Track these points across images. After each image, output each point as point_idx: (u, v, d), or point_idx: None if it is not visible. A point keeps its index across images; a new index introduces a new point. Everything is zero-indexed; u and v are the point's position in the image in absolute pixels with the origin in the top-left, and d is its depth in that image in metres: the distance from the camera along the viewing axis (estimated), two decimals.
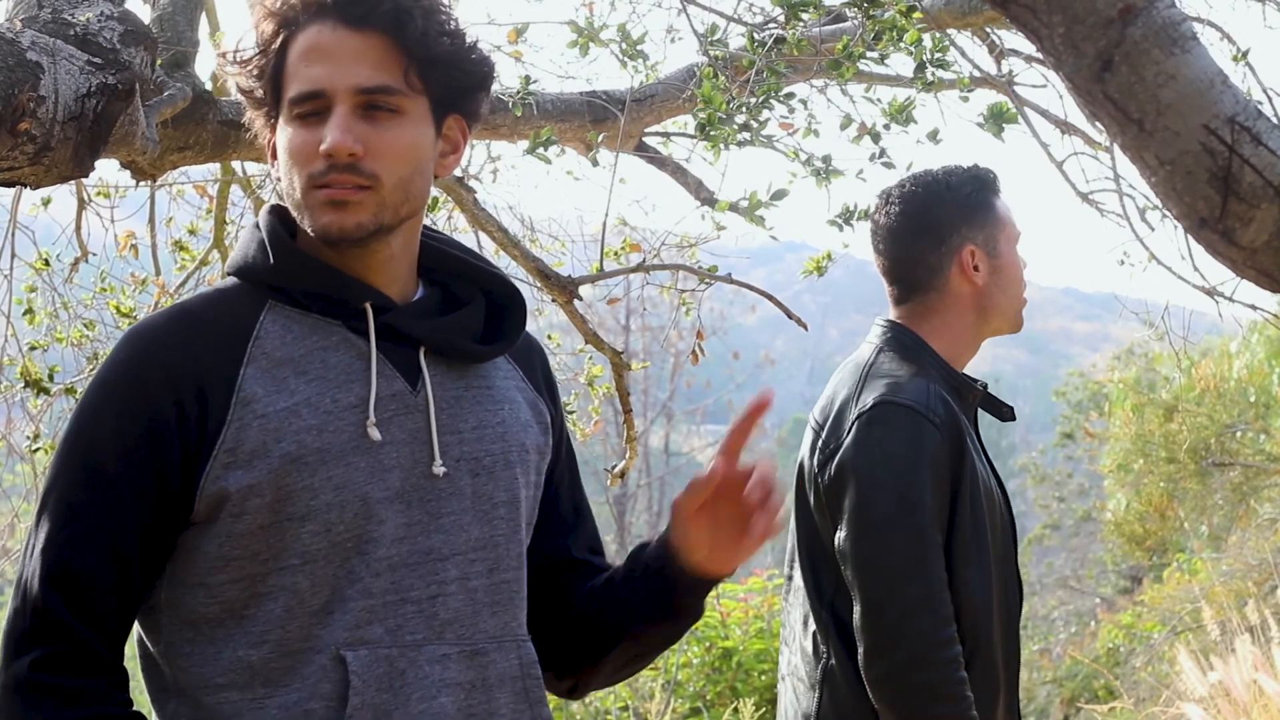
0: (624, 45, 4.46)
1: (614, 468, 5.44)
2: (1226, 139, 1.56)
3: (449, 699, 1.63)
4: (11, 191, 4.62)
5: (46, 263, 5.57)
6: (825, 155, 4.43)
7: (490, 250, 5.16)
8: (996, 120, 4.11)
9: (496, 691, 1.67)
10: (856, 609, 2.47)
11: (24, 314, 5.57)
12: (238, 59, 1.67)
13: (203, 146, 3.92)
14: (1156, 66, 1.56)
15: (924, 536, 2.44)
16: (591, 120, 4.75)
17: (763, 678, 7.58)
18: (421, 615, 1.63)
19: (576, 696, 1.91)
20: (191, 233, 5.91)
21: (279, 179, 1.67)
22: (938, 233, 2.64)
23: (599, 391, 5.64)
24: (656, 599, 1.75)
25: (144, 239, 5.76)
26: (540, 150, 4.00)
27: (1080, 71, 1.60)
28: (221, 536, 1.59)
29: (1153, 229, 5.14)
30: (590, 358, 5.67)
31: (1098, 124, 1.80)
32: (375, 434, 1.62)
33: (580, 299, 4.73)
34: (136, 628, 1.67)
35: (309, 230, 1.64)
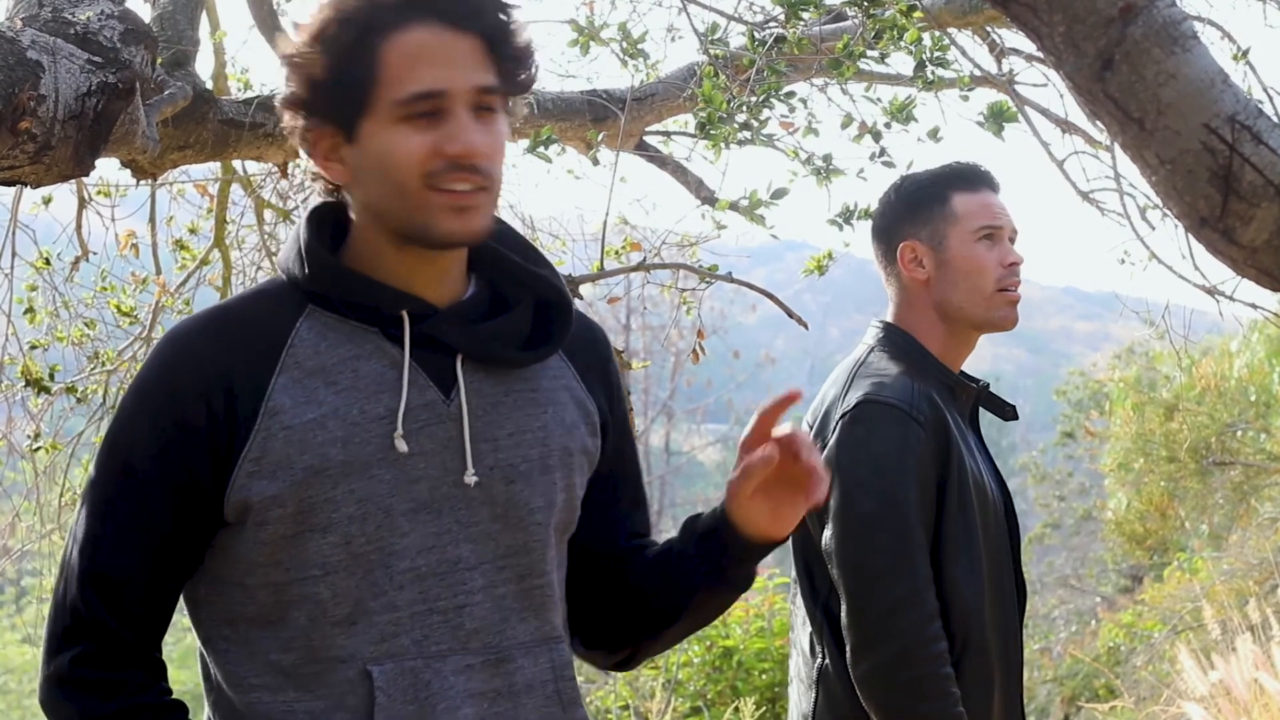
0: (624, 44, 4.46)
1: None
2: (1227, 138, 1.56)
3: (472, 709, 1.64)
4: (12, 190, 4.62)
5: (47, 261, 5.57)
6: (826, 154, 4.44)
7: None
8: (997, 119, 4.11)
9: (524, 698, 1.67)
10: (843, 608, 2.48)
11: (25, 313, 5.57)
12: (320, 55, 1.60)
13: (203, 145, 3.92)
14: (1157, 65, 1.56)
15: (908, 534, 2.44)
16: (592, 119, 4.76)
17: (763, 677, 7.58)
18: (447, 625, 1.64)
19: (629, 669, 1.92)
20: (192, 231, 5.92)
21: (365, 182, 1.63)
22: (886, 232, 2.70)
23: None
24: (710, 569, 1.76)
25: (144, 238, 5.76)
26: (541, 149, 4.00)
27: (1081, 70, 1.60)
28: (250, 542, 1.61)
29: (1153, 228, 5.14)
30: None
31: (1098, 123, 1.80)
32: (402, 446, 1.62)
33: (581, 298, 4.72)
34: (186, 618, 1.71)
35: (422, 234, 1.62)
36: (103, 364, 5.69)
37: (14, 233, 5.30)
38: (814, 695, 2.55)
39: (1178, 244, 7.66)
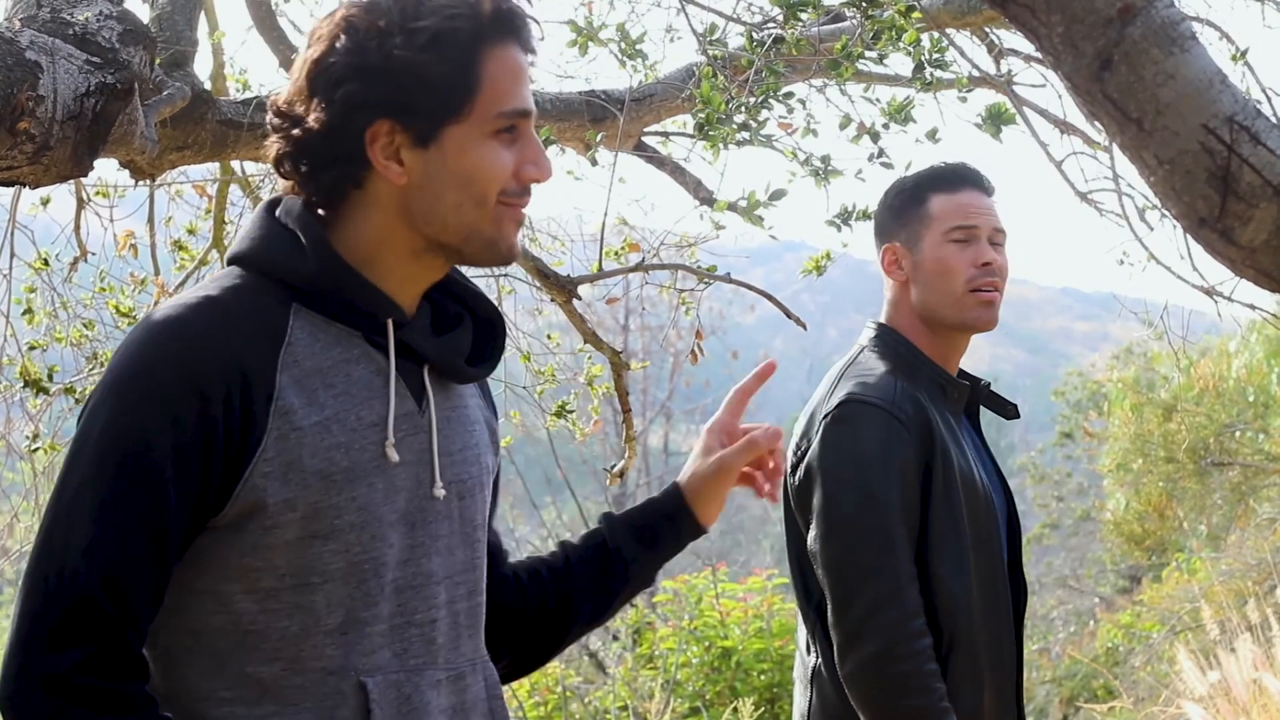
0: (623, 45, 4.46)
1: (613, 467, 5.44)
2: (1225, 138, 1.56)
3: None
4: (10, 191, 4.62)
5: (46, 262, 5.57)
6: (824, 155, 4.43)
7: None
8: (995, 120, 4.12)
9: (472, 715, 1.68)
10: (828, 606, 2.48)
11: (23, 314, 5.57)
12: (426, 55, 1.58)
13: (201, 146, 3.92)
14: (1155, 66, 1.56)
15: (890, 532, 2.45)
16: (590, 120, 4.76)
17: (762, 677, 7.58)
18: (422, 639, 1.63)
19: (513, 680, 1.95)
20: (191, 232, 5.91)
21: (432, 187, 1.61)
22: (876, 234, 2.77)
23: (598, 391, 5.64)
24: (643, 568, 1.86)
25: (143, 238, 5.76)
26: None
27: (1079, 71, 1.60)
28: (246, 546, 1.56)
29: (1152, 229, 5.15)
30: (589, 357, 5.67)
31: (1097, 123, 1.80)
32: (394, 455, 1.61)
33: (579, 298, 4.73)
34: None
35: (483, 246, 1.64)
36: (101, 365, 5.68)
37: (12, 233, 5.30)
38: (809, 694, 2.57)
39: (1176, 244, 7.67)
